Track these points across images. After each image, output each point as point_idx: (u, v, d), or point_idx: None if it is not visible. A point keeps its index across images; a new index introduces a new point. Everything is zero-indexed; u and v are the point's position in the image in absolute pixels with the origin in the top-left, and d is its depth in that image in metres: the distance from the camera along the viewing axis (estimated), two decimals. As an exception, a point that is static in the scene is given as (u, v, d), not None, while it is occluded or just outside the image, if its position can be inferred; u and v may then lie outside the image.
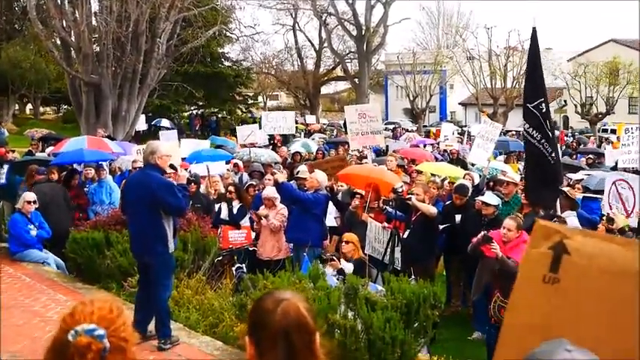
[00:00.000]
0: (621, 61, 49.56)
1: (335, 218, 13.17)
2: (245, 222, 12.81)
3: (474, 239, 9.18)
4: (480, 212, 11.02)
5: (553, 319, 3.18)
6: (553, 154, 9.99)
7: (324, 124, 53.31)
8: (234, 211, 12.92)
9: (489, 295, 9.18)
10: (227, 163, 18.58)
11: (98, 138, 19.44)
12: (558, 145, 11.07)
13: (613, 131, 42.37)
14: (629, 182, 11.48)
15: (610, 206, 11.37)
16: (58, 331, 2.43)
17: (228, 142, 28.77)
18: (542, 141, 9.93)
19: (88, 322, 2.37)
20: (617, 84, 49.29)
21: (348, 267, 9.31)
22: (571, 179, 15.80)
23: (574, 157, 27.52)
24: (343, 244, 10.22)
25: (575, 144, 37.29)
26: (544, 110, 9.94)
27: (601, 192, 12.85)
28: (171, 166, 8.52)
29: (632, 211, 11.03)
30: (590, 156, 24.64)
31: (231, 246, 12.04)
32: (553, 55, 53.04)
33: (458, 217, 11.50)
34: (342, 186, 13.36)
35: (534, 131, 10.00)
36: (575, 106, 50.09)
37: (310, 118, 52.70)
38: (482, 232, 9.16)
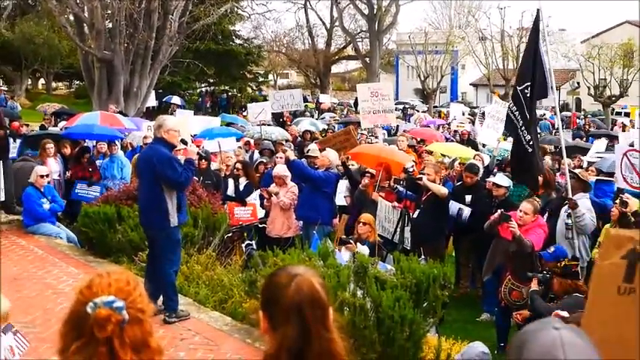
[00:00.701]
0: (636, 43, 49.02)
1: (345, 197, 13.19)
2: (252, 199, 12.84)
3: (492, 217, 9.20)
4: (490, 193, 11.02)
5: (631, 331, 3.03)
6: (532, 142, 9.87)
7: (333, 102, 53.09)
8: (241, 187, 12.95)
9: (500, 277, 9.20)
10: (238, 140, 18.60)
11: (111, 114, 19.46)
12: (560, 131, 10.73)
13: (627, 114, 42.02)
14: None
15: (624, 178, 11.28)
16: (75, 304, 2.43)
17: (237, 120, 28.79)
18: (522, 128, 9.85)
19: (106, 294, 2.39)
20: (631, 66, 48.77)
21: (364, 250, 9.30)
22: (583, 161, 15.74)
23: (584, 139, 27.37)
24: (360, 224, 10.17)
25: (587, 126, 37.10)
26: (528, 95, 9.79)
27: (614, 174, 12.79)
28: (183, 141, 8.53)
29: None
30: (603, 139, 24.48)
31: (241, 223, 12.08)
32: (567, 36, 52.67)
33: (468, 198, 11.48)
34: (352, 165, 13.38)
35: (519, 115, 9.96)
36: (589, 88, 49.68)
37: (324, 97, 52.47)
38: (500, 211, 9.17)
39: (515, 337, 2.24)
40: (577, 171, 10.13)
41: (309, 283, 2.60)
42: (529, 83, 9.81)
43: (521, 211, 9.15)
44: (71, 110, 27.48)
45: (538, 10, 9.89)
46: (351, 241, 9.43)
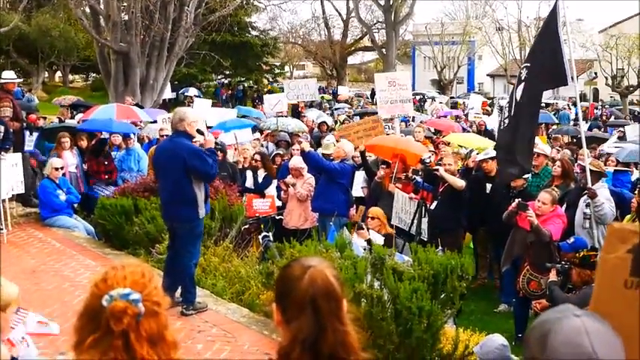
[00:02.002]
0: (654, 33, 48.67)
1: (362, 188, 13.16)
2: (269, 191, 12.84)
3: (510, 207, 9.15)
4: (508, 184, 10.95)
5: (638, 325, 3.04)
6: (507, 120, 9.93)
7: (351, 94, 52.80)
8: (260, 179, 12.95)
9: (518, 268, 9.15)
10: (254, 131, 18.63)
11: (127, 107, 19.50)
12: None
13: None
14: None
15: None
16: (91, 297, 2.42)
17: (252, 112, 28.80)
18: (506, 114, 9.97)
19: (122, 287, 2.38)
20: (649, 56, 48.49)
21: (377, 237, 9.26)
22: (603, 151, 15.63)
23: (602, 129, 27.21)
24: (369, 219, 10.15)
25: (605, 117, 36.86)
26: (521, 75, 9.82)
27: (630, 164, 12.70)
28: (199, 131, 8.51)
29: None
30: (621, 129, 24.30)
31: (257, 214, 12.08)
32: (584, 26, 52.33)
33: (488, 187, 11.39)
34: (370, 156, 13.34)
35: (506, 107, 10.06)
36: (606, 78, 49.38)
37: (343, 89, 52.31)
38: (518, 200, 9.12)
39: (534, 328, 2.21)
40: (588, 161, 10.02)
41: (323, 275, 2.56)
42: (528, 64, 9.87)
43: (539, 201, 9.10)
44: (88, 103, 27.57)
45: None
46: (364, 227, 9.42)
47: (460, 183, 10.80)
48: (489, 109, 33.14)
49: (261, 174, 13.03)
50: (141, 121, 18.09)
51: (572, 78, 9.73)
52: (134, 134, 15.74)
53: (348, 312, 2.62)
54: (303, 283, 2.53)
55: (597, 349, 2.04)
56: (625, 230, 3.23)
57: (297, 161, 12.20)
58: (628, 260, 3.11)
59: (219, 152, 12.53)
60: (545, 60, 9.53)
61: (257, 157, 13.39)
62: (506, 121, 9.92)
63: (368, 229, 9.60)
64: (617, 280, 3.15)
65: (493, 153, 11.76)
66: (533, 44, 10.59)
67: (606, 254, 3.25)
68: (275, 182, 13.00)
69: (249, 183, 12.99)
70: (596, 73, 57.48)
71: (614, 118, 35.18)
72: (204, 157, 8.13)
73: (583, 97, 55.78)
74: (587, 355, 2.04)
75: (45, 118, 21.05)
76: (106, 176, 13.81)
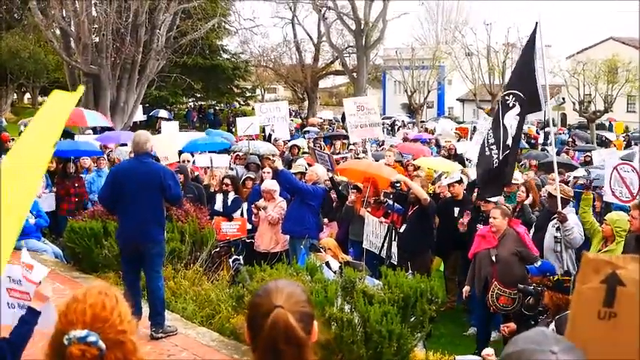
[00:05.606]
0: (620, 60, 49.48)
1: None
2: (238, 214, 12.76)
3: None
4: (478, 207, 11.06)
5: (612, 356, 3.06)
6: (498, 155, 9.76)
7: (327, 119, 52.78)
8: (229, 202, 12.88)
9: (486, 285, 9.24)
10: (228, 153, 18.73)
11: (74, 109, 19.59)
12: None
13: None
14: (632, 165, 11.39)
15: (612, 192, 11.31)
16: (55, 331, 2.44)
17: (222, 134, 28.77)
18: (490, 138, 9.93)
19: (81, 326, 2.38)
20: (615, 82, 49.20)
21: (334, 263, 9.29)
22: (569, 176, 15.81)
23: (571, 154, 27.50)
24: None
25: (571, 142, 37.28)
26: (508, 102, 9.69)
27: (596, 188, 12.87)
28: (156, 158, 8.63)
29: (637, 194, 10.96)
30: (588, 154, 24.61)
31: (228, 237, 12.03)
32: (552, 52, 53.01)
33: (456, 211, 11.50)
34: (343, 181, 13.42)
35: (490, 131, 10.03)
36: (574, 103, 50.00)
37: (327, 114, 52.63)
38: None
39: (512, 354, 2.24)
40: (552, 188, 10.15)
41: (285, 319, 2.54)
42: (513, 91, 9.84)
43: (491, 217, 9.32)
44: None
45: (537, 23, 9.95)
46: (322, 250, 9.44)
47: (425, 195, 10.94)
48: (460, 133, 33.30)
49: (231, 197, 12.95)
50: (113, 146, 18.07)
51: (545, 103, 9.87)
52: (107, 154, 15.66)
53: (320, 332, 2.63)
54: (266, 325, 2.53)
55: None
56: (598, 260, 3.21)
57: (269, 184, 12.21)
58: (601, 291, 3.12)
59: (179, 175, 12.46)
60: (528, 86, 9.62)
61: (227, 180, 13.25)
62: (493, 147, 9.85)
63: (325, 250, 9.63)
64: (590, 311, 3.15)
65: (459, 177, 11.92)
66: (515, 69, 10.62)
67: (580, 285, 3.23)
68: (246, 205, 12.94)
69: (219, 206, 12.92)
70: (564, 99, 58.21)
71: (578, 139, 35.65)
72: (177, 179, 8.30)
73: (549, 123, 56.47)
74: None
75: (13, 140, 20.90)
76: (76, 199, 13.67)
